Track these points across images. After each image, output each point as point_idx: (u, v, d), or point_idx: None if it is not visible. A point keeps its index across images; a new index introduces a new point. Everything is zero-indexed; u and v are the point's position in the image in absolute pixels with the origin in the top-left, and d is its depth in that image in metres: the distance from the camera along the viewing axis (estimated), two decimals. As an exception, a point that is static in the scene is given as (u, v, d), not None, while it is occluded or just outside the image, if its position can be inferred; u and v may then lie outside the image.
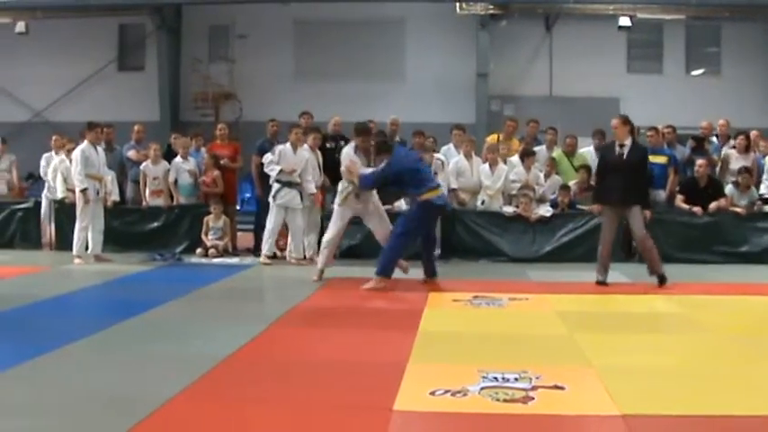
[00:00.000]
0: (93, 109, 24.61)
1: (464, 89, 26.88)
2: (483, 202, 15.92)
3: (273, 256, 15.27)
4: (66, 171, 16.02)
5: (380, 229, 12.80)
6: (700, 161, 15.44)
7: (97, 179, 15.03)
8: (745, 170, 15.57)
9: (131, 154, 17.02)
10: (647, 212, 12.13)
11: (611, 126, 12.52)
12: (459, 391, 6.15)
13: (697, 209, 15.17)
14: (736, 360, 7.57)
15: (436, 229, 13.89)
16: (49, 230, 16.94)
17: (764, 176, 15.75)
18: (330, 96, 24.39)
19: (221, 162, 16.45)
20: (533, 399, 6.02)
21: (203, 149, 17.06)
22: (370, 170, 12.29)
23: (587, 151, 16.82)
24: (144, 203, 16.44)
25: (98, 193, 15.06)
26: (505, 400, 5.99)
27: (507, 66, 27.36)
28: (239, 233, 17.08)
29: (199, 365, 6.85)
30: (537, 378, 6.49)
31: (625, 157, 11.97)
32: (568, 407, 5.92)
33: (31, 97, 28.65)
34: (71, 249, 14.88)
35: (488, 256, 15.39)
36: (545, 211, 15.56)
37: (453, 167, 15.75)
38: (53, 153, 17.83)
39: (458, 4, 25.95)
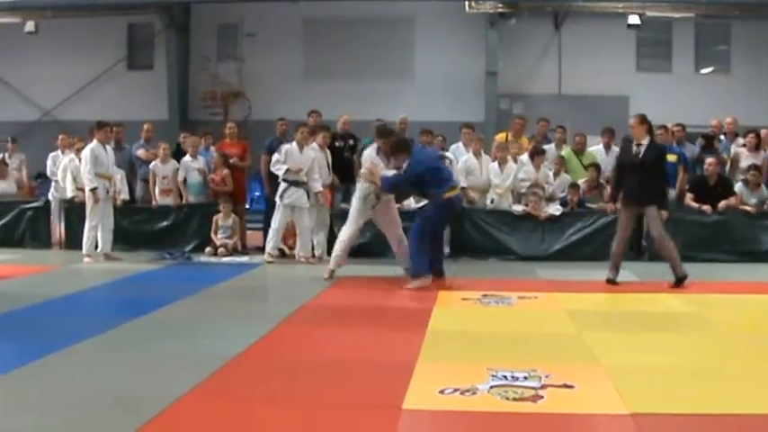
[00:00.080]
0: (103, 108, 24.67)
1: (473, 88, 26.87)
2: (492, 201, 15.90)
3: (282, 255, 15.30)
4: (75, 170, 16.03)
5: (392, 228, 12.89)
6: (709, 159, 15.41)
7: (107, 178, 15.06)
8: (754, 168, 15.52)
9: (141, 153, 17.04)
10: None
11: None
12: (468, 390, 6.14)
13: (706, 207, 15.14)
14: (745, 359, 7.55)
15: (446, 228, 13.93)
16: (58, 229, 16.97)
17: (775, 174, 15.74)
18: (339, 95, 24.43)
19: (230, 161, 16.46)
20: (542, 397, 6.01)
21: (212, 148, 17.06)
22: (391, 172, 12.30)
23: (596, 149, 16.82)
24: (153, 203, 16.45)
25: (107, 192, 15.09)
26: (515, 399, 5.98)
27: (516, 64, 27.35)
28: (248, 232, 17.10)
29: (208, 364, 6.85)
30: (546, 377, 6.48)
31: (641, 156, 11.93)
32: (578, 406, 5.91)
33: (40, 96, 28.72)
34: (80, 248, 14.91)
35: (497, 254, 15.38)
36: (554, 209, 15.55)
37: (462, 166, 15.73)
38: (59, 152, 17.95)
39: (467, 3, 25.94)
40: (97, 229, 14.91)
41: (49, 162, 18.20)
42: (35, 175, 19.70)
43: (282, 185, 14.65)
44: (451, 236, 15.11)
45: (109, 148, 15.33)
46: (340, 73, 27.19)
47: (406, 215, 13.41)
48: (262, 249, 15.66)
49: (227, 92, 28.24)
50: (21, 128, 25.13)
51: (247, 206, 18.67)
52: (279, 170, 14.64)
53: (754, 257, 14.93)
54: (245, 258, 15.36)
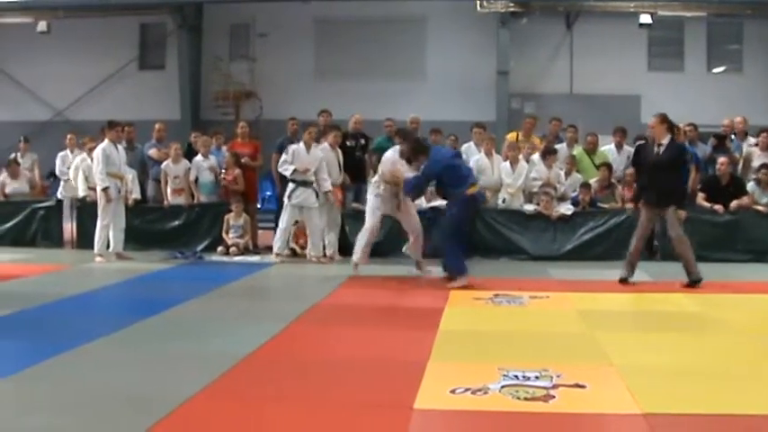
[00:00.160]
0: (115, 108, 24.66)
1: (485, 87, 26.82)
2: (504, 201, 15.88)
3: (294, 254, 15.32)
4: (87, 170, 16.07)
5: (412, 224, 13.00)
6: (721, 159, 15.35)
7: (118, 178, 15.08)
8: (766, 167, 15.46)
9: (152, 152, 17.06)
10: (681, 212, 11.99)
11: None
12: (479, 390, 6.14)
13: (718, 207, 15.09)
14: (758, 359, 7.52)
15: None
16: (69, 228, 17.00)
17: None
18: (350, 95, 24.40)
19: (242, 160, 16.47)
20: (554, 397, 6.00)
21: (224, 148, 17.08)
22: (411, 174, 12.39)
23: (608, 149, 16.80)
24: (165, 202, 16.47)
25: (119, 192, 15.11)
26: (526, 399, 5.97)
27: (528, 64, 27.29)
28: (260, 231, 17.11)
29: (219, 364, 6.85)
30: (558, 376, 6.47)
31: (660, 156, 11.88)
32: (589, 405, 5.91)
33: (52, 96, 28.77)
34: (92, 248, 14.93)
35: (509, 254, 15.36)
36: (566, 209, 15.52)
37: (474, 166, 15.64)
38: (68, 151, 18.00)
39: (478, 2, 25.87)
40: (109, 229, 14.93)
41: (57, 161, 18.24)
42: (47, 175, 19.73)
43: (290, 186, 14.66)
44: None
45: (120, 147, 15.36)
46: (351, 73, 27.18)
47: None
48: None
49: (238, 92, 28.24)
50: (33, 128, 25.15)
51: (259, 206, 18.69)
52: (286, 171, 14.66)
53: (767, 257, 14.88)
54: (256, 258, 15.37)
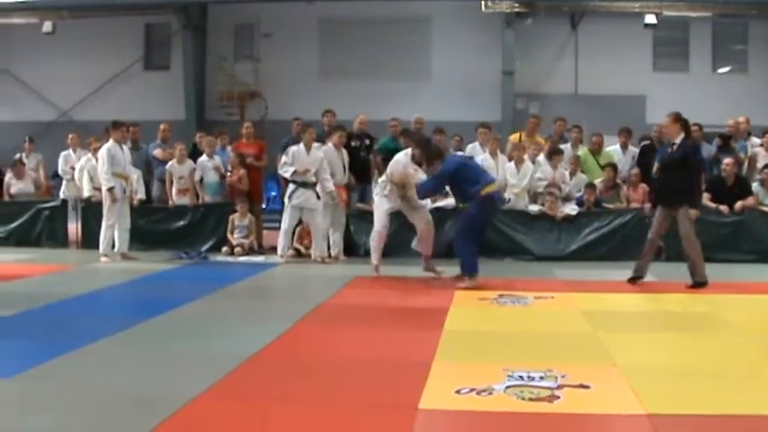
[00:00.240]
0: (120, 108, 24.75)
1: (490, 87, 26.85)
2: (509, 201, 15.86)
3: (299, 255, 15.32)
4: (92, 170, 16.09)
5: (422, 224, 13.02)
6: (727, 160, 15.33)
7: (123, 178, 15.09)
8: (767, 167, 15.43)
9: (157, 153, 17.08)
10: (691, 211, 11.93)
11: (662, 125, 12.40)
12: (484, 390, 6.13)
13: (723, 207, 15.06)
14: (762, 360, 7.51)
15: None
16: (74, 229, 17.01)
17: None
18: (355, 95, 24.43)
19: (247, 161, 16.47)
20: (559, 398, 6.00)
21: (229, 148, 17.08)
22: (422, 178, 12.48)
23: (613, 149, 16.80)
24: (170, 203, 16.47)
25: (124, 192, 15.12)
26: (531, 399, 5.97)
27: (533, 64, 27.31)
28: (265, 231, 17.09)
29: (223, 364, 6.85)
30: (562, 377, 6.47)
31: (672, 154, 11.86)
32: (594, 406, 5.90)
33: (57, 96, 28.85)
34: (97, 248, 14.95)
35: (514, 254, 15.35)
36: (570, 209, 15.52)
37: (479, 166, 15.72)
38: (71, 151, 18.02)
39: (483, 3, 25.89)
40: (114, 229, 14.95)
41: (60, 161, 18.25)
42: (52, 175, 19.76)
43: (290, 187, 14.67)
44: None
45: (125, 147, 15.37)
46: (356, 73, 27.20)
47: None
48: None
49: (243, 92, 28.29)
50: (38, 128, 25.27)
51: (264, 206, 18.70)
52: (286, 172, 14.68)
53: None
54: (261, 258, 15.37)
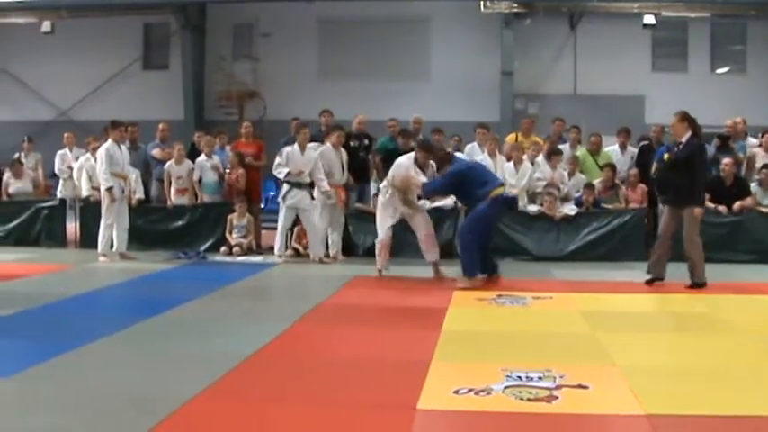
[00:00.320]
0: (118, 108, 24.71)
1: (488, 88, 26.82)
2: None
3: (297, 255, 15.33)
4: (91, 169, 16.10)
5: (421, 229, 12.95)
6: (725, 160, 15.32)
7: (122, 177, 15.09)
8: (765, 167, 15.42)
9: (156, 152, 17.08)
10: (695, 210, 11.90)
11: (670, 124, 12.37)
12: (482, 390, 6.13)
13: (722, 208, 15.06)
14: (761, 360, 7.51)
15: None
16: (73, 228, 17.01)
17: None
18: (354, 95, 24.41)
19: (246, 160, 16.47)
20: (557, 398, 6.00)
21: (227, 148, 17.08)
22: (425, 179, 12.54)
23: (612, 150, 16.81)
24: (168, 203, 16.46)
25: (123, 192, 15.11)
26: (529, 399, 5.97)
27: (532, 64, 27.29)
28: (263, 231, 17.09)
29: (221, 364, 6.85)
30: (561, 377, 6.47)
31: (678, 154, 11.84)
32: (592, 406, 5.90)
33: (56, 96, 28.82)
34: (96, 247, 14.95)
35: (512, 254, 15.32)
36: (569, 209, 15.52)
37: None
38: (67, 150, 18.03)
39: (482, 3, 25.86)
40: (112, 229, 14.94)
41: (56, 160, 18.25)
42: (50, 174, 19.75)
43: (285, 187, 14.68)
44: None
45: (124, 147, 15.36)
46: (355, 73, 27.18)
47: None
48: (277, 249, 15.71)
49: (242, 92, 28.26)
50: (37, 127, 25.22)
51: (262, 206, 18.69)
52: (279, 173, 14.68)
53: (770, 258, 14.91)
54: (259, 258, 15.37)
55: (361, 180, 16.22)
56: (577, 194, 15.86)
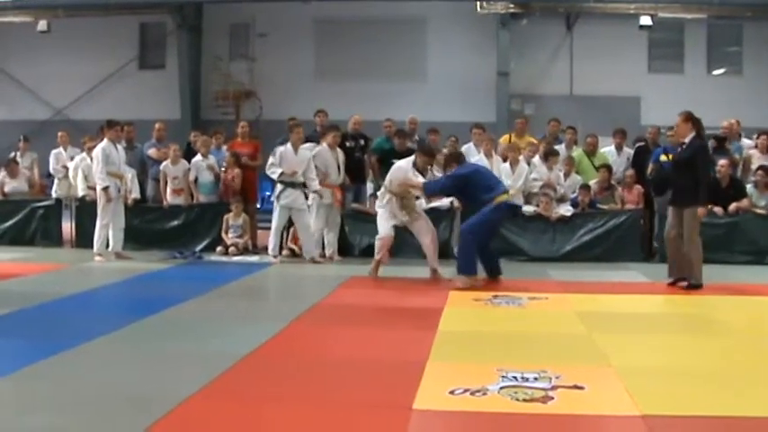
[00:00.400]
0: (115, 107, 24.73)
1: (485, 88, 26.88)
2: (520, 207, 15.81)
3: (293, 255, 15.33)
4: (87, 169, 16.08)
5: (424, 234, 12.95)
6: (722, 161, 15.31)
7: (118, 177, 15.07)
8: (762, 169, 15.42)
9: (152, 152, 17.05)
10: (699, 210, 11.88)
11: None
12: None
13: (718, 209, 15.06)
14: (757, 361, 7.51)
15: (456, 228, 14.08)
16: (68, 228, 17.01)
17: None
18: (350, 95, 24.46)
19: (242, 160, 16.46)
20: (553, 398, 5.99)
21: (224, 147, 17.07)
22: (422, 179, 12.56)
23: (608, 151, 16.81)
24: (164, 203, 16.44)
25: (119, 191, 15.10)
26: (525, 400, 5.97)
27: (528, 65, 27.35)
28: (259, 231, 17.07)
29: (217, 364, 6.84)
30: (556, 378, 6.47)
31: (681, 154, 11.83)
32: (588, 407, 5.90)
33: (52, 95, 28.85)
34: (92, 247, 14.92)
35: (508, 255, 15.26)
36: (565, 210, 15.52)
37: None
38: (62, 149, 18.03)
39: (478, 3, 25.94)
40: (108, 228, 14.92)
41: (51, 160, 18.27)
42: (46, 174, 19.74)
43: (279, 187, 14.66)
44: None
45: (120, 147, 15.35)
46: (351, 73, 27.24)
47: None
48: (272, 249, 15.70)
49: (238, 91, 28.31)
50: (32, 127, 25.22)
51: (258, 206, 18.66)
52: (273, 173, 14.65)
53: (766, 259, 14.89)
54: (255, 258, 15.35)
55: (357, 180, 16.22)
56: (573, 195, 15.86)
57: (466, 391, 6.13)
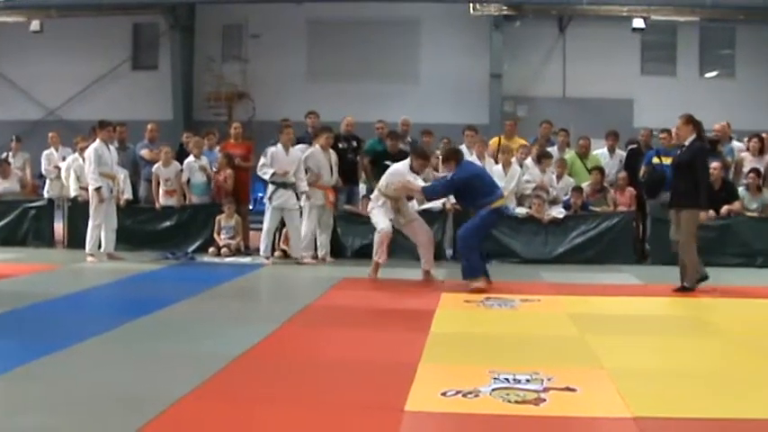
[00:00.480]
0: (107, 107, 24.70)
1: (477, 90, 26.90)
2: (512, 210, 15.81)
3: (285, 256, 15.32)
4: (79, 169, 16.05)
5: (421, 234, 12.96)
6: (714, 164, 15.25)
7: (110, 178, 15.04)
8: (754, 172, 15.43)
9: (144, 153, 17.03)
10: (702, 213, 11.91)
11: (676, 127, 12.35)
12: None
13: (710, 212, 15.06)
14: (748, 363, 7.53)
15: (448, 230, 14.09)
16: (60, 228, 16.98)
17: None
18: (343, 97, 24.47)
19: (235, 161, 16.44)
20: (545, 400, 6.00)
21: (216, 148, 17.05)
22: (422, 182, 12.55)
23: (600, 153, 16.82)
24: (157, 205, 16.41)
25: (111, 192, 15.07)
26: (517, 402, 5.97)
27: (521, 67, 27.39)
28: (252, 232, 17.05)
29: (210, 365, 6.84)
30: (549, 380, 6.47)
31: (681, 157, 11.82)
32: (580, 409, 5.90)
33: (45, 95, 28.82)
34: (84, 247, 14.89)
35: (500, 257, 15.30)
36: (557, 212, 15.52)
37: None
38: (53, 149, 18.00)
39: (471, 5, 25.95)
40: (100, 229, 14.89)
41: (43, 160, 18.22)
42: (38, 174, 19.71)
43: (270, 188, 14.65)
44: (454, 237, 15.06)
45: (112, 147, 15.32)
46: (344, 74, 27.24)
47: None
48: (265, 250, 15.69)
49: (231, 92, 28.31)
50: (25, 127, 25.18)
51: (251, 207, 18.65)
52: (265, 174, 14.63)
53: (757, 262, 14.92)
54: (247, 259, 15.32)
55: (349, 182, 16.21)
56: (566, 197, 15.86)
57: (458, 392, 6.13)
